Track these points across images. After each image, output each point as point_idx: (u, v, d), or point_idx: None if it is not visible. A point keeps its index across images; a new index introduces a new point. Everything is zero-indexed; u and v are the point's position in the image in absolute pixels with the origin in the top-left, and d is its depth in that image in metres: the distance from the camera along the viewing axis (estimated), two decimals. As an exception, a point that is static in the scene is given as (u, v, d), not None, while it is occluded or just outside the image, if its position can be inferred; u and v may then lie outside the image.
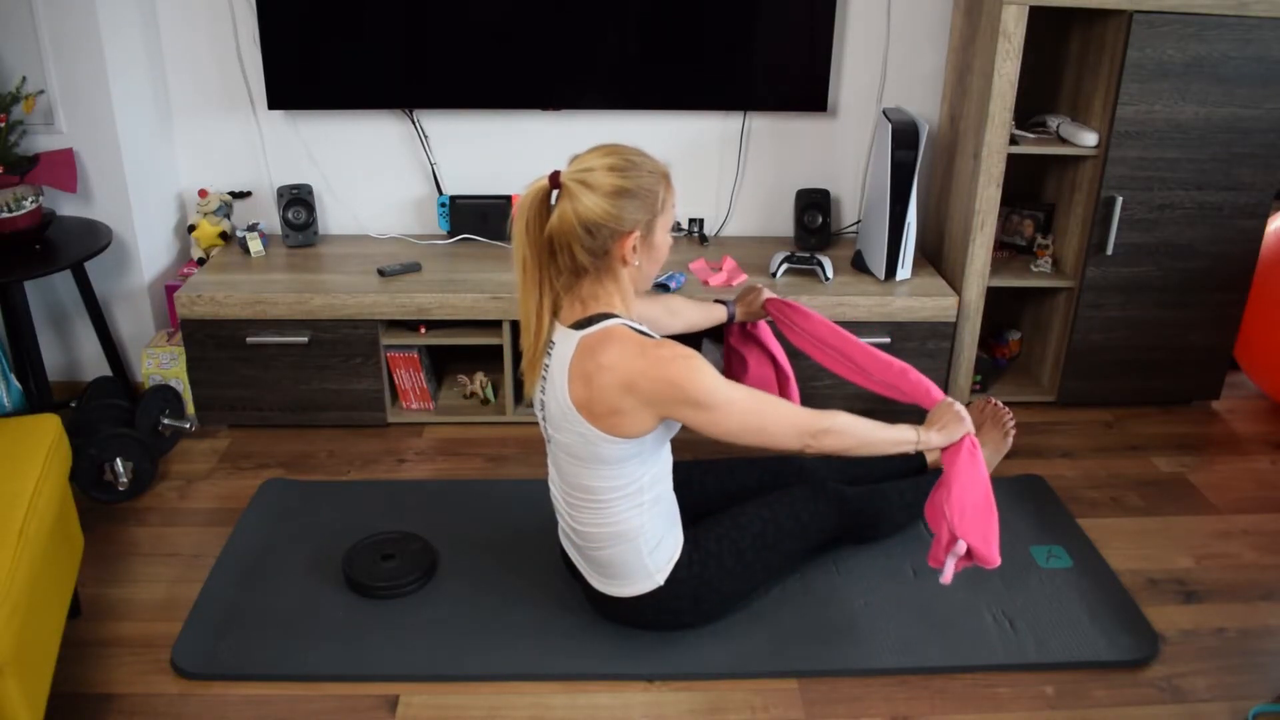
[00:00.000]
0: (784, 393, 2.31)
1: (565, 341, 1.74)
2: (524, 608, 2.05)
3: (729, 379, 2.01)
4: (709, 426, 1.72)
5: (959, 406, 1.92)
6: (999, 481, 2.50)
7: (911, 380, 2.04)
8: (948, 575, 1.81)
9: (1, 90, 2.54)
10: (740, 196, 3.11)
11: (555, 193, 1.70)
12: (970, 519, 1.80)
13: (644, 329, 1.76)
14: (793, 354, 2.34)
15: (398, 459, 2.63)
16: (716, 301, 2.31)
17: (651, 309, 2.15)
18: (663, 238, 1.78)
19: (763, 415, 1.75)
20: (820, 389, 2.76)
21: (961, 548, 1.78)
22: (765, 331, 2.32)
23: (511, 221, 1.74)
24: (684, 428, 1.79)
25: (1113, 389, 2.93)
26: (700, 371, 1.69)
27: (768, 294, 2.28)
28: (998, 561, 1.81)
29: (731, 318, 2.30)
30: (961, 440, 1.89)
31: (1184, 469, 2.66)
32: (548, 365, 1.79)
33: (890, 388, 2.08)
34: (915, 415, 1.97)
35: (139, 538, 2.30)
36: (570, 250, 1.69)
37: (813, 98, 2.90)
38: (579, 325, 1.73)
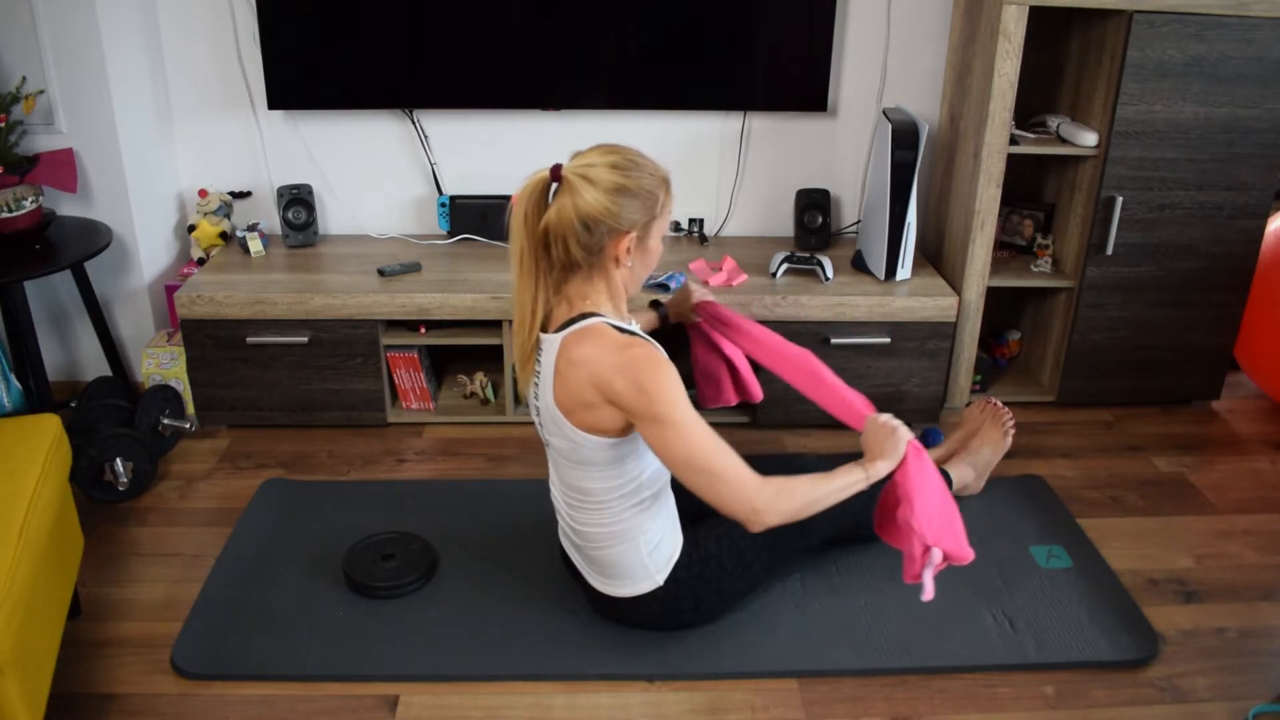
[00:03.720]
0: (742, 391, 2.21)
1: (550, 346, 1.75)
2: (524, 608, 2.05)
3: (719, 398, 1.98)
4: (661, 446, 1.66)
5: (884, 418, 1.81)
6: (999, 481, 2.50)
7: (834, 399, 1.92)
8: (929, 591, 1.72)
9: (1, 90, 2.54)
10: (740, 196, 3.11)
11: (555, 186, 1.70)
12: (938, 524, 1.74)
13: (631, 328, 1.76)
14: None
15: (398, 459, 2.63)
16: (651, 304, 2.25)
17: None
18: (657, 243, 1.78)
19: (717, 460, 1.66)
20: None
21: (937, 556, 1.71)
22: (716, 333, 2.20)
23: (510, 213, 1.74)
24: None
25: (1113, 389, 2.93)
26: (669, 381, 1.65)
27: (699, 295, 2.17)
28: (972, 555, 1.77)
29: (665, 318, 2.23)
30: (905, 455, 1.78)
31: (1184, 469, 2.66)
32: (538, 373, 1.79)
33: (820, 402, 1.98)
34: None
35: (139, 538, 2.30)
36: (565, 244, 1.69)
37: (813, 98, 2.90)
38: (565, 326, 1.74)
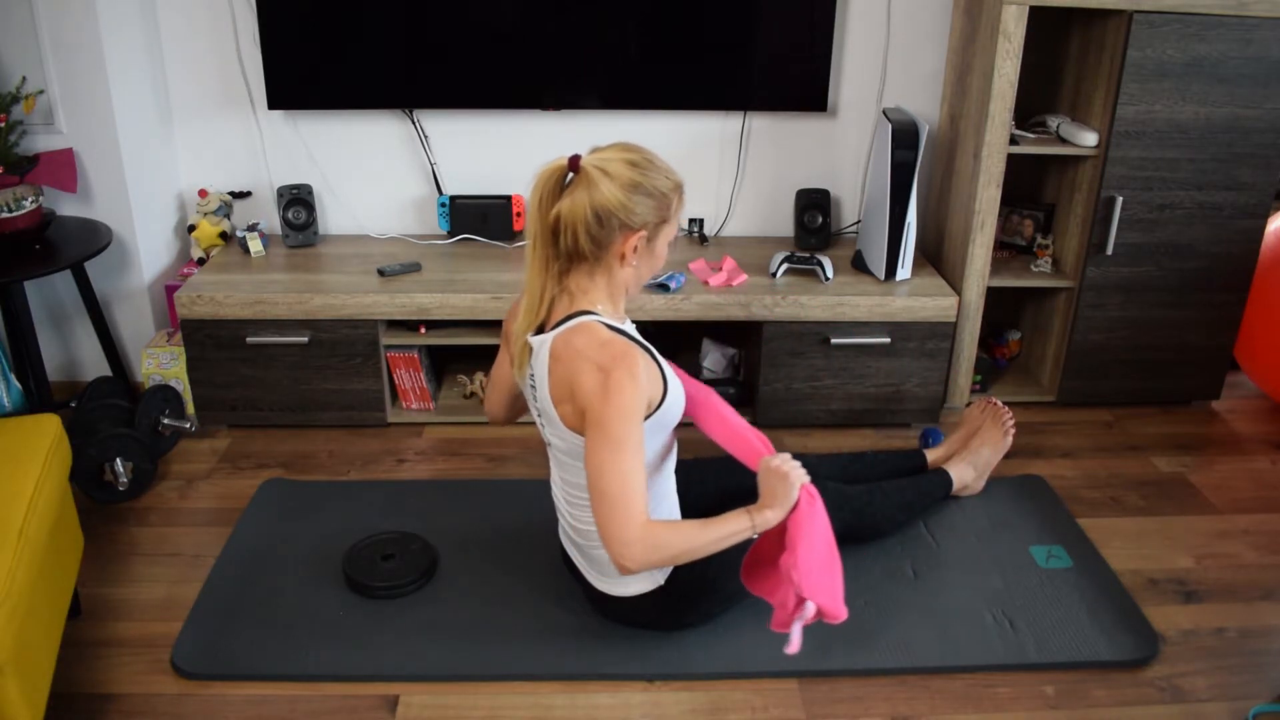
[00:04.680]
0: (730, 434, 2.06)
1: (541, 347, 1.76)
2: (524, 608, 2.05)
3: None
4: (588, 447, 1.65)
5: (779, 460, 1.73)
6: (999, 481, 2.50)
7: (736, 436, 1.87)
8: (795, 644, 1.65)
9: (1, 90, 2.54)
10: (740, 196, 3.10)
11: (570, 176, 1.70)
12: (816, 578, 1.67)
13: (624, 329, 1.76)
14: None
15: (398, 459, 2.63)
16: None
17: None
18: (663, 247, 1.79)
19: (624, 485, 1.62)
20: (819, 388, 2.76)
21: (810, 610, 1.65)
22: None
23: (530, 195, 1.73)
24: (686, 425, 1.77)
25: (1113, 389, 2.93)
26: (631, 391, 1.63)
27: None
28: (845, 615, 1.69)
29: None
30: (797, 501, 1.72)
31: (1184, 469, 2.66)
32: (533, 375, 1.79)
33: (720, 439, 1.91)
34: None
35: (139, 538, 2.30)
36: (575, 234, 1.69)
37: (813, 98, 2.90)
38: (559, 325, 1.74)
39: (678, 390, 1.80)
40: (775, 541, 1.75)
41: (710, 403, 1.94)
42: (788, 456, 1.76)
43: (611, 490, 1.63)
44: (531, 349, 1.79)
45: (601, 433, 1.64)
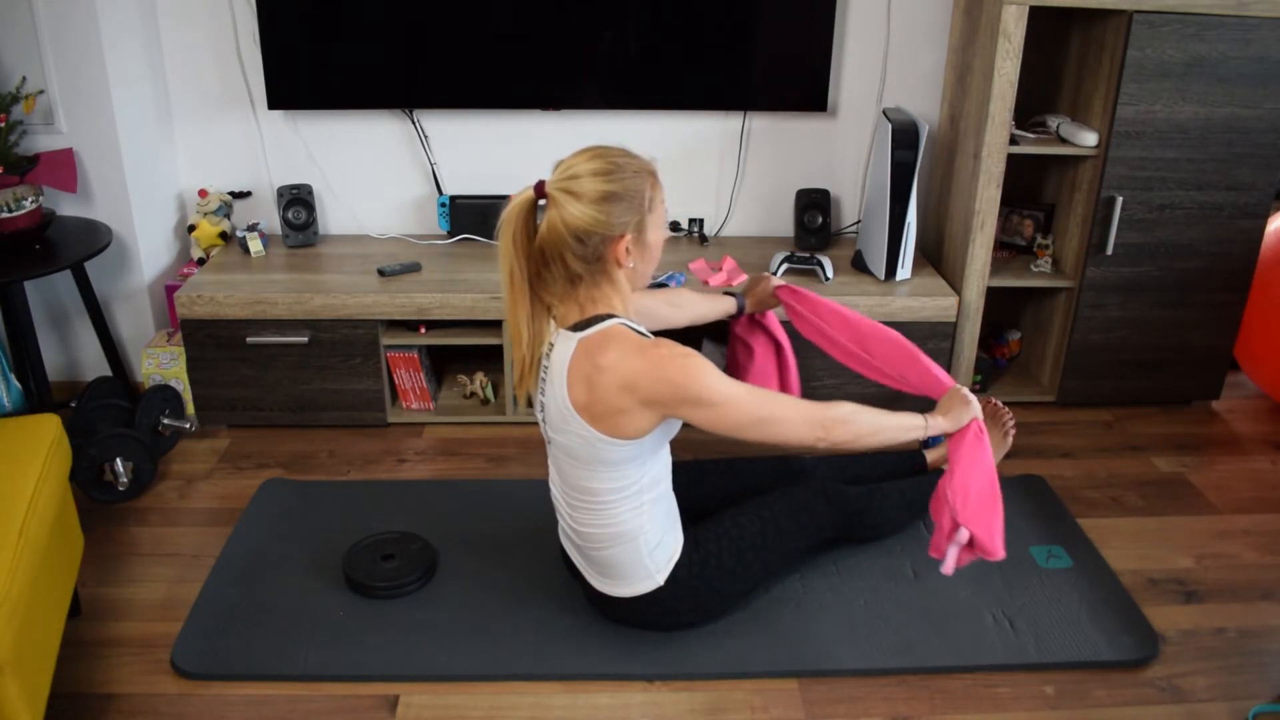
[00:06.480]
0: (785, 386, 2.30)
1: (564, 343, 1.74)
2: (524, 608, 2.05)
3: (733, 373, 1.99)
4: (715, 423, 1.72)
5: (966, 392, 1.93)
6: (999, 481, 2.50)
7: (920, 369, 2.03)
8: (949, 565, 1.78)
9: (1, 90, 2.54)
10: (740, 196, 3.11)
11: (542, 202, 1.69)
12: (974, 506, 1.78)
13: (642, 329, 1.76)
14: (799, 350, 2.33)
15: (398, 459, 2.63)
16: (726, 293, 2.30)
17: (652, 302, 2.15)
18: (655, 235, 1.78)
19: (771, 407, 1.74)
20: (820, 389, 2.76)
21: (964, 535, 1.74)
22: (773, 321, 2.31)
23: (498, 233, 1.73)
24: (685, 425, 1.78)
25: (1113, 389, 2.93)
26: (700, 370, 1.68)
27: (776, 281, 2.27)
28: (1002, 554, 1.78)
29: (741, 309, 2.28)
30: (968, 426, 1.90)
31: (1184, 469, 2.66)
32: (546, 368, 1.79)
33: (899, 380, 2.08)
34: (926, 406, 1.97)
35: (139, 538, 2.30)
36: (563, 259, 1.69)
37: (813, 98, 2.90)
38: (579, 327, 1.73)
39: None
40: (946, 476, 1.85)
41: (901, 343, 2.07)
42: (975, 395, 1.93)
43: (772, 414, 1.73)
44: (552, 343, 1.78)
45: (706, 406, 1.68)
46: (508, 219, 1.70)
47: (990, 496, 1.82)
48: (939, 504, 1.83)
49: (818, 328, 2.19)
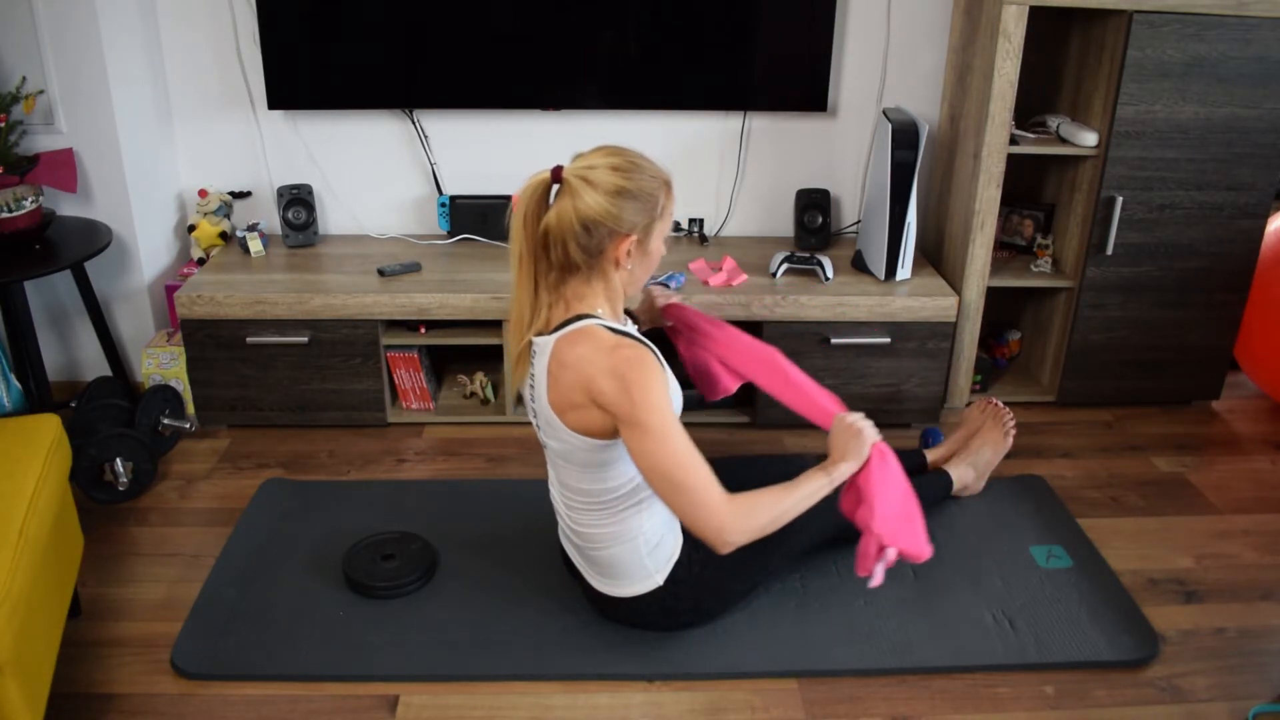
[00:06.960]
0: (735, 372, 2.09)
1: (544, 348, 1.75)
2: (524, 608, 2.05)
3: (713, 382, 1.97)
4: (636, 450, 1.65)
5: (851, 419, 1.80)
6: (999, 482, 2.50)
7: (797, 396, 1.91)
8: (878, 579, 1.74)
9: (1, 90, 2.54)
10: (740, 196, 3.11)
11: (556, 188, 1.70)
12: (894, 525, 1.74)
13: (626, 330, 1.76)
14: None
15: (398, 459, 2.63)
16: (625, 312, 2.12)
17: None
18: (657, 245, 1.78)
19: (688, 471, 1.63)
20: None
21: (892, 555, 1.73)
22: (694, 315, 2.13)
23: (510, 214, 1.73)
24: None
25: (1113, 389, 2.93)
26: (655, 386, 1.63)
27: (663, 299, 2.13)
28: (929, 553, 1.77)
29: (637, 325, 2.09)
30: (869, 454, 1.78)
31: (1184, 469, 2.66)
32: (533, 375, 1.79)
33: (788, 402, 1.94)
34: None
35: (139, 538, 2.30)
36: (565, 246, 1.69)
37: (813, 98, 2.90)
38: (560, 327, 1.73)
39: (676, 394, 1.79)
40: (853, 497, 1.80)
41: (776, 364, 1.96)
42: (860, 415, 1.80)
43: (676, 477, 1.63)
44: (534, 350, 1.78)
45: (641, 430, 1.63)
46: (521, 199, 1.70)
47: (908, 509, 1.78)
48: (864, 531, 1.76)
49: (705, 346, 2.07)
